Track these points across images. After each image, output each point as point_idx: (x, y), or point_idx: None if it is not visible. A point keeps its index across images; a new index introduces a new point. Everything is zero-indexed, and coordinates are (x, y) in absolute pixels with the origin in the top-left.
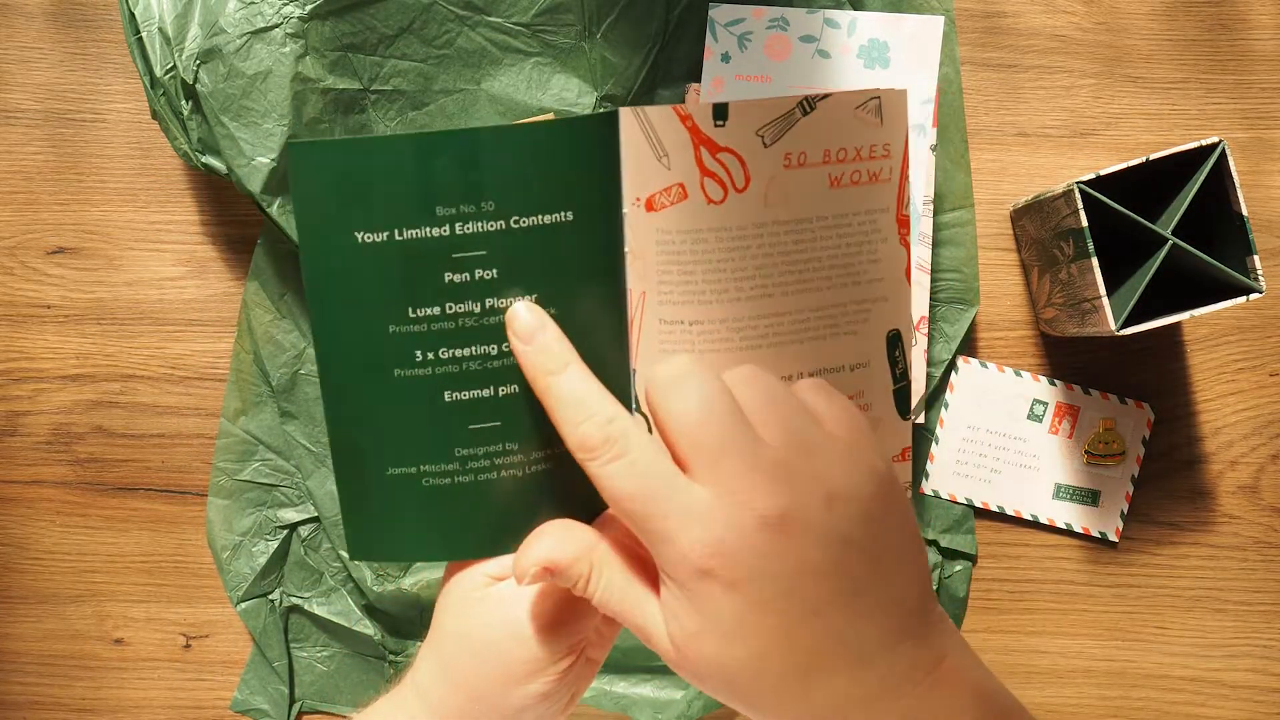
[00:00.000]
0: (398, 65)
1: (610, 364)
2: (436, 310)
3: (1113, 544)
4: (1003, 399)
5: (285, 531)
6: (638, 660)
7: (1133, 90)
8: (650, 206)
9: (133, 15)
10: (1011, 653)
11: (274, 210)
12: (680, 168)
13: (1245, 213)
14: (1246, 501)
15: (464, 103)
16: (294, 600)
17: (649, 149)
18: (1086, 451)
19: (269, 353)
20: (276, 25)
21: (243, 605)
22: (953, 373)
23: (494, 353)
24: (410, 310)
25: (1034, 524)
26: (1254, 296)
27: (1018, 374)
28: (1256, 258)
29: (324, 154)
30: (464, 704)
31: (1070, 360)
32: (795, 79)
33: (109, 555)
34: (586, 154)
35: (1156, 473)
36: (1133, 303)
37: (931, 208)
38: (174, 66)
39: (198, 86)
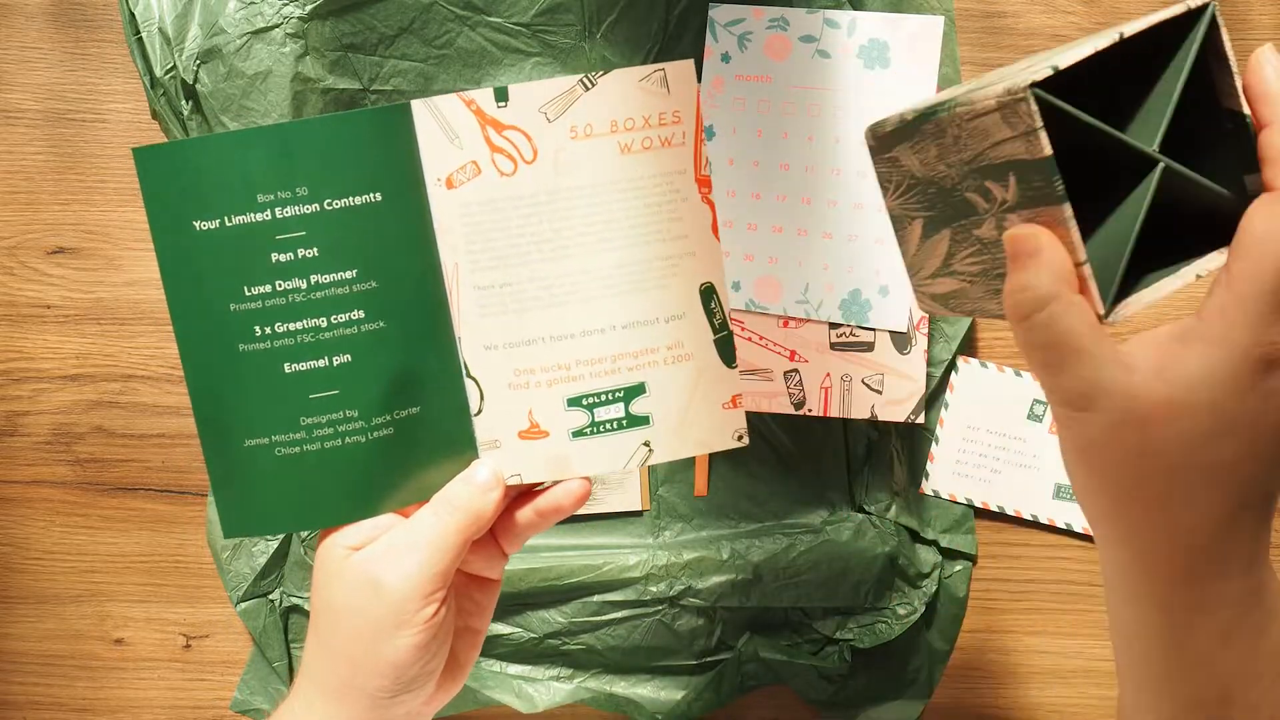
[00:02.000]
0: (398, 65)
1: (435, 328)
2: (268, 288)
3: None
4: (1002, 399)
5: (285, 531)
6: (638, 660)
7: None
8: (450, 184)
9: (133, 15)
10: (1011, 653)
11: None
12: (471, 147)
13: (1246, 111)
14: None
15: None
16: (294, 600)
17: (441, 133)
18: None
19: None
20: (276, 25)
21: (243, 605)
22: (953, 373)
23: (324, 325)
24: (245, 289)
25: (1034, 524)
26: None
27: (1018, 374)
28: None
29: (162, 154)
30: (346, 675)
31: None
32: (795, 79)
33: (109, 555)
34: (385, 140)
35: None
36: (1122, 268)
37: None
38: (174, 66)
39: (198, 86)
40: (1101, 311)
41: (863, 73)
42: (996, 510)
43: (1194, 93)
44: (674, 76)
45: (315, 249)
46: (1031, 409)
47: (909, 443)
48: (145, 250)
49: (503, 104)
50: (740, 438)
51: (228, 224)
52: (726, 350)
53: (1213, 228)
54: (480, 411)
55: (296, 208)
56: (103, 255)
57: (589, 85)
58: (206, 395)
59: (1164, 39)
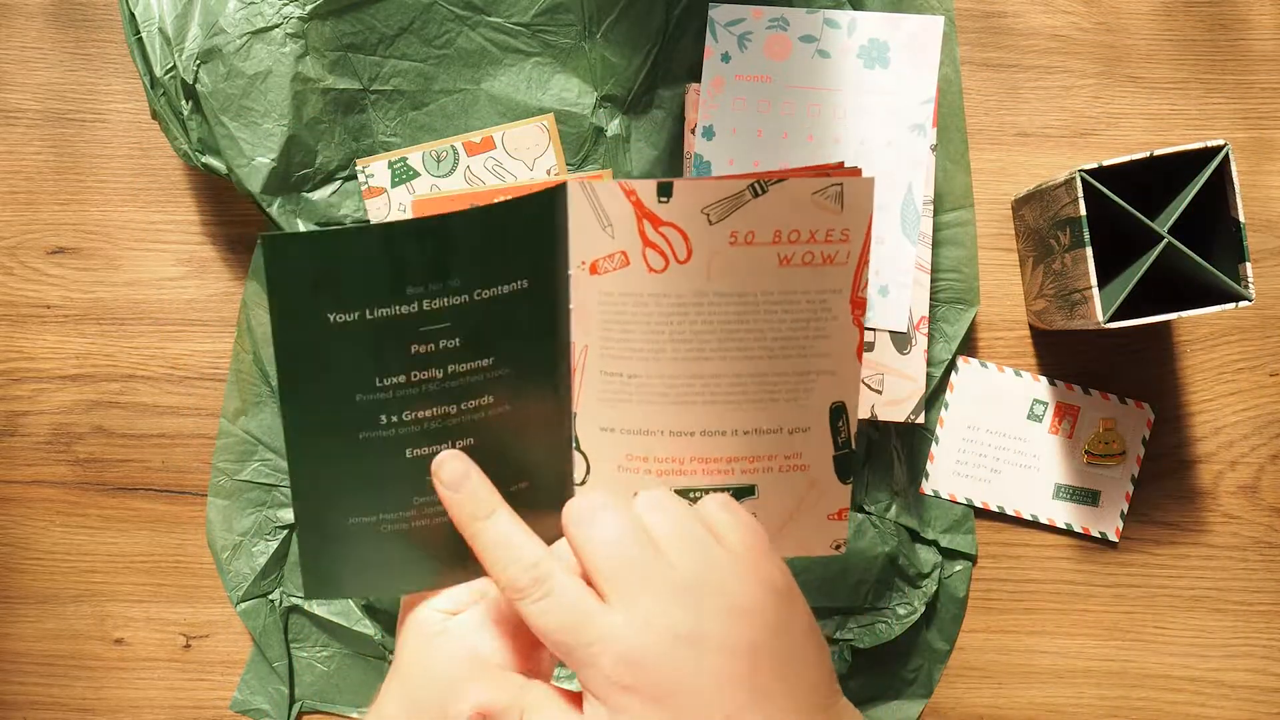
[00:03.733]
0: (398, 65)
1: (554, 406)
2: (402, 379)
3: (1113, 544)
4: (1002, 399)
5: (285, 531)
6: None
7: (1133, 90)
8: (594, 270)
9: (133, 15)
10: (1011, 653)
11: (274, 210)
12: (623, 237)
13: (1243, 219)
14: (1246, 501)
15: (464, 103)
16: (294, 600)
17: (594, 219)
18: (1086, 451)
19: (269, 353)
20: (276, 25)
21: (243, 605)
22: (952, 373)
23: (453, 411)
24: (378, 380)
25: (1034, 524)
26: (1242, 304)
27: (1017, 374)
28: (1249, 265)
29: (296, 246)
30: None
31: (1070, 360)
32: (795, 79)
33: (109, 555)
34: (539, 226)
35: (1156, 473)
36: (1122, 296)
37: (931, 208)
38: (174, 66)
39: (198, 86)
40: (1101, 320)
41: (862, 73)
42: (996, 510)
43: (1214, 200)
44: (851, 192)
45: (457, 339)
46: (1031, 409)
47: (909, 442)
48: (145, 250)
49: (665, 199)
50: (838, 547)
51: (368, 316)
52: (844, 467)
53: (1208, 295)
54: (584, 483)
55: (445, 300)
56: (103, 255)
57: (759, 191)
58: (310, 477)
59: (1198, 160)
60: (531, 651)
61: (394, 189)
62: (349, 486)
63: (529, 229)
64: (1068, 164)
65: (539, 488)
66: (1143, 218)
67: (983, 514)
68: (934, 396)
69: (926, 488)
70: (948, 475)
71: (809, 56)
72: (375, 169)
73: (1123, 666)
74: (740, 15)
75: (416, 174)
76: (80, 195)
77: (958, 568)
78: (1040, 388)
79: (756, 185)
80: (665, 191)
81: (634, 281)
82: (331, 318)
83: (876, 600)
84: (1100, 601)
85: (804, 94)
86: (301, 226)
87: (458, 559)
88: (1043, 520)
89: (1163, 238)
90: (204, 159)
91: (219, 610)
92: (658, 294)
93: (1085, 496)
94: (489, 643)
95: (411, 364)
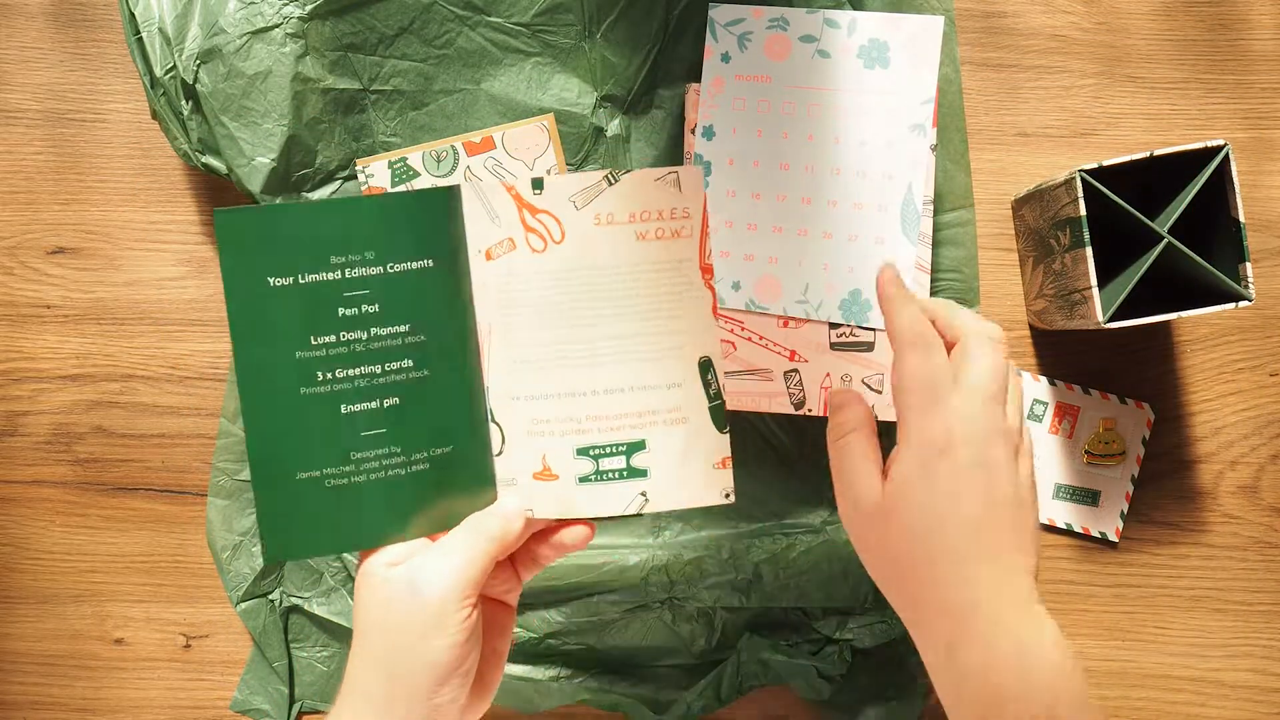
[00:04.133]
0: (398, 65)
1: (467, 378)
2: (333, 338)
3: (1113, 544)
4: None
5: None
6: (638, 660)
7: (1133, 90)
8: (489, 256)
9: (133, 15)
10: None
11: None
12: (508, 225)
13: (1243, 219)
14: (1246, 501)
15: (464, 102)
16: (294, 600)
17: (484, 212)
18: (1086, 451)
19: None
20: (276, 25)
21: (243, 605)
22: None
23: (379, 371)
24: (312, 338)
25: None
26: (1242, 304)
27: (1017, 373)
28: (1249, 265)
29: (243, 218)
30: (389, 682)
31: (1070, 360)
32: (795, 79)
33: (109, 555)
34: (439, 215)
35: (1156, 473)
36: (1122, 296)
37: (931, 208)
38: (174, 66)
39: (198, 86)
40: (1101, 320)
41: (863, 72)
42: None
43: (1214, 201)
44: (685, 179)
45: (377, 305)
46: (1031, 409)
47: None
48: (145, 250)
49: (538, 191)
50: (727, 495)
51: (301, 281)
52: (719, 417)
53: (1208, 295)
54: (501, 453)
55: (364, 269)
56: (103, 255)
57: (613, 181)
58: (263, 434)
59: (1198, 160)
60: (467, 594)
61: (394, 189)
62: (295, 441)
63: (430, 217)
64: (1068, 164)
65: (462, 455)
66: (1143, 218)
67: None
68: None
69: None
70: None
71: (809, 56)
72: (375, 169)
73: (1123, 666)
74: (740, 15)
75: (416, 174)
76: (80, 195)
77: None
78: (1040, 388)
79: (610, 176)
80: (538, 185)
81: (521, 262)
82: (271, 281)
83: (876, 600)
84: (1100, 601)
85: (804, 94)
86: None
87: (399, 517)
88: (1043, 520)
89: (1163, 238)
90: (204, 159)
91: (219, 610)
92: (541, 271)
93: (1085, 496)
94: (431, 579)
95: (340, 325)
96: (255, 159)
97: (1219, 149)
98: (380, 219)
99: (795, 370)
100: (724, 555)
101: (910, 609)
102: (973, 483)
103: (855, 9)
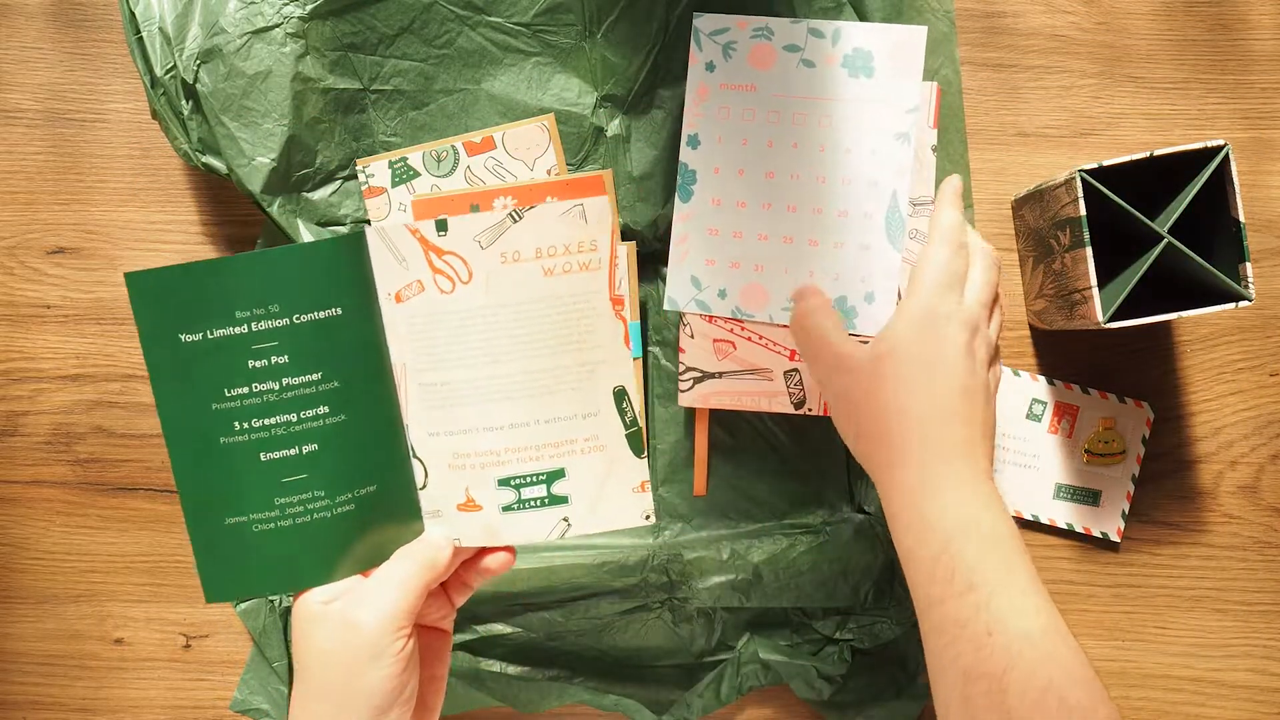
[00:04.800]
0: (398, 65)
1: (387, 418)
2: (245, 390)
3: (1114, 544)
4: (1002, 399)
5: None
6: (638, 660)
7: (1133, 90)
8: (398, 299)
9: (133, 15)
10: None
11: (274, 210)
12: (416, 268)
13: (1243, 219)
14: (1246, 501)
15: (464, 102)
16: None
17: (391, 256)
18: (1086, 451)
19: None
20: (277, 25)
21: (243, 605)
22: None
23: (294, 419)
24: (226, 391)
25: (1034, 524)
26: (1242, 304)
27: (1016, 374)
28: (1249, 265)
29: (151, 278)
30: (331, 715)
31: (1070, 360)
32: (780, 88)
33: (109, 555)
34: (345, 263)
35: (1156, 473)
36: (1122, 296)
37: (931, 209)
38: (174, 66)
39: (198, 86)
40: (1101, 320)
41: (847, 81)
42: None
43: (1214, 201)
44: (591, 210)
45: (286, 356)
46: (1031, 409)
47: None
48: (145, 250)
49: (443, 233)
50: (648, 517)
51: (210, 336)
52: (636, 443)
53: (1208, 295)
54: (425, 486)
55: (269, 322)
56: (103, 255)
57: (517, 218)
58: (191, 481)
59: (1198, 160)
60: (402, 625)
61: (394, 189)
62: (220, 489)
63: (335, 266)
64: (1068, 164)
65: (386, 492)
66: (1143, 218)
67: None
68: None
69: None
70: None
71: (793, 65)
72: (375, 169)
73: (1123, 666)
74: (725, 25)
75: (417, 174)
76: (80, 195)
77: None
78: (1039, 387)
79: (514, 214)
80: (442, 227)
81: (430, 304)
82: (183, 337)
83: (876, 600)
84: (1100, 601)
85: (789, 103)
86: (302, 226)
87: (329, 557)
88: (1043, 520)
89: (1163, 238)
90: (204, 159)
91: (219, 610)
92: (451, 311)
93: (1086, 496)
94: (366, 613)
95: (251, 377)
96: (255, 159)
97: (1219, 149)
98: (284, 272)
99: (795, 370)
100: (724, 555)
101: (884, 449)
102: (959, 358)
103: (855, 9)
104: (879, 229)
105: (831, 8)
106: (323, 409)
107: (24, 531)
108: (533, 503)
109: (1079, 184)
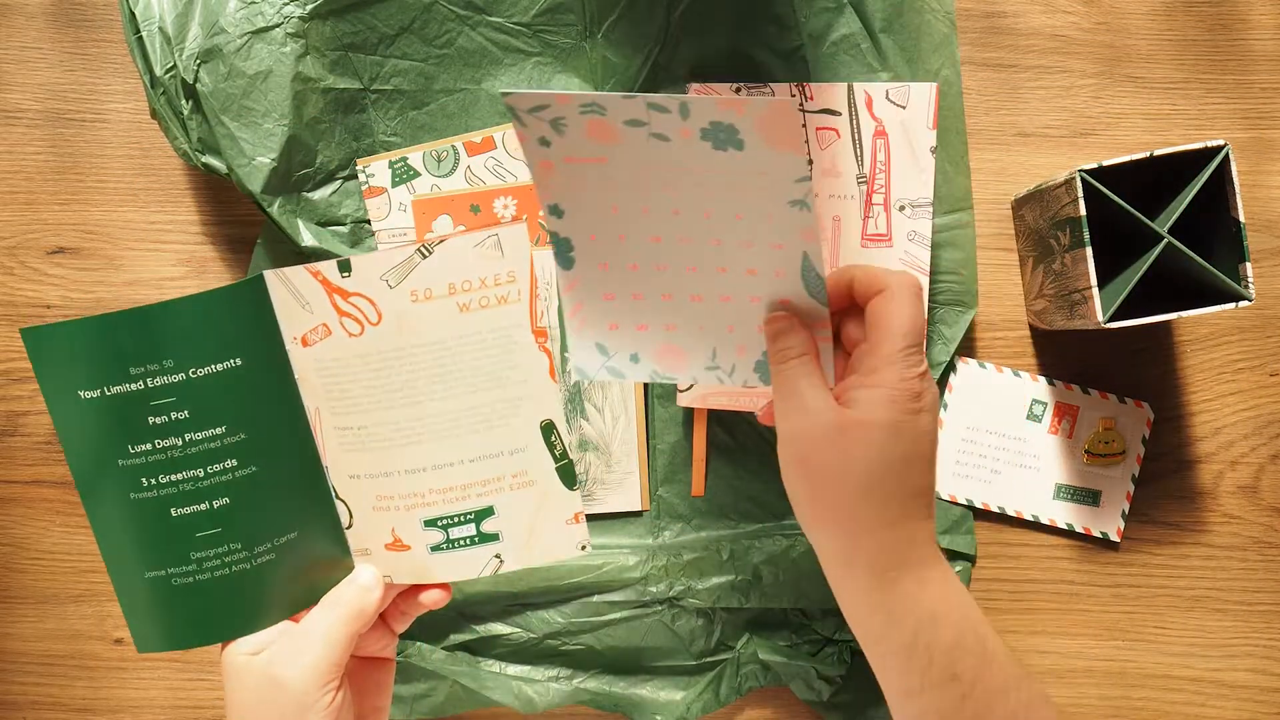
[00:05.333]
0: (398, 65)
1: (303, 464)
2: (149, 446)
3: (1114, 544)
4: (1002, 399)
5: None
6: (638, 660)
7: (1133, 90)
8: (305, 343)
9: (133, 15)
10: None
11: (274, 210)
12: (320, 312)
13: (1243, 219)
14: (1246, 501)
15: (464, 102)
16: None
17: (293, 300)
18: (1086, 451)
19: None
20: (277, 25)
21: None
22: (951, 373)
23: (201, 475)
24: (130, 447)
25: (1034, 524)
26: (1242, 304)
27: (1016, 374)
28: (1249, 265)
29: (46, 334)
30: None
31: (1070, 360)
32: (635, 160)
33: None
34: (242, 311)
35: (1156, 473)
36: (1122, 296)
37: (931, 210)
38: (174, 66)
39: (198, 86)
40: (1101, 320)
41: (713, 154)
42: (996, 511)
43: (1215, 201)
44: (507, 240)
45: (186, 411)
46: (1030, 409)
47: None
48: (145, 250)
49: (346, 274)
50: (584, 548)
51: (107, 393)
52: (568, 476)
53: (1208, 295)
54: (350, 525)
55: (165, 378)
56: (103, 255)
57: (426, 254)
58: (108, 535)
59: (1198, 160)
60: (329, 680)
61: (394, 189)
62: (136, 543)
63: (231, 315)
64: (1068, 164)
65: (309, 538)
66: (1143, 218)
67: (982, 514)
68: None
69: None
70: (947, 476)
71: (643, 139)
72: (376, 169)
73: (1123, 667)
74: (544, 102)
75: (417, 174)
76: (80, 195)
77: (958, 568)
78: (1039, 388)
79: (423, 249)
80: (345, 268)
81: (339, 347)
82: (81, 394)
83: None
84: (1100, 601)
85: (652, 173)
86: (302, 226)
87: (252, 608)
88: (1043, 520)
89: (1163, 238)
90: (204, 159)
91: None
92: (361, 354)
93: (1086, 496)
94: (290, 671)
95: (153, 434)
96: (255, 159)
97: (1219, 149)
98: (177, 326)
99: None
100: (724, 555)
101: (848, 522)
102: (928, 439)
103: (855, 9)
104: (795, 284)
105: (832, 8)
106: (230, 462)
107: (24, 531)
108: (462, 542)
109: (1079, 184)
